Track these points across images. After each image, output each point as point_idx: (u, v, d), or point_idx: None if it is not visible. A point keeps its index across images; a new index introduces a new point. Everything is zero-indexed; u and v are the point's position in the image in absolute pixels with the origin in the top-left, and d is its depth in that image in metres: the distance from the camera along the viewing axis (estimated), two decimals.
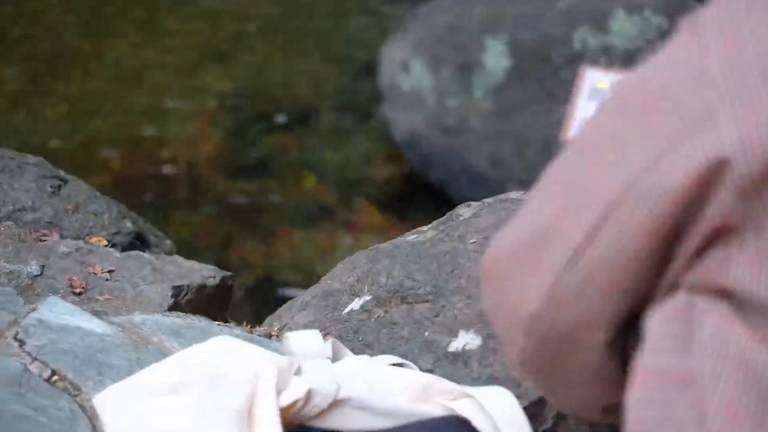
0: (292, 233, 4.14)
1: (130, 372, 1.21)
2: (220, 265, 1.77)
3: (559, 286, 0.71)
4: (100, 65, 4.77)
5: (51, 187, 1.80)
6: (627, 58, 3.87)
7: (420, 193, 4.66)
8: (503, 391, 1.12)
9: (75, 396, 1.21)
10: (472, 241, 1.34)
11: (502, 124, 4.08)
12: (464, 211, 1.44)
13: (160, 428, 1.09)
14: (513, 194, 1.45)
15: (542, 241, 0.71)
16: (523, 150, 4.10)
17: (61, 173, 1.87)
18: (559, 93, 4.00)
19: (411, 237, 1.43)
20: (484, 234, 1.34)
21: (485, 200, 1.47)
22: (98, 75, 4.77)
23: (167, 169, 4.42)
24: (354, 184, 4.59)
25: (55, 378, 1.22)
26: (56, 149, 4.26)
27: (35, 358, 1.24)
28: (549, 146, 4.15)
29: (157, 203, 4.26)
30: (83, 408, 1.20)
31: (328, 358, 1.15)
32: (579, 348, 0.74)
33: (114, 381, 1.20)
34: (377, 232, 4.37)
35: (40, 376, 1.23)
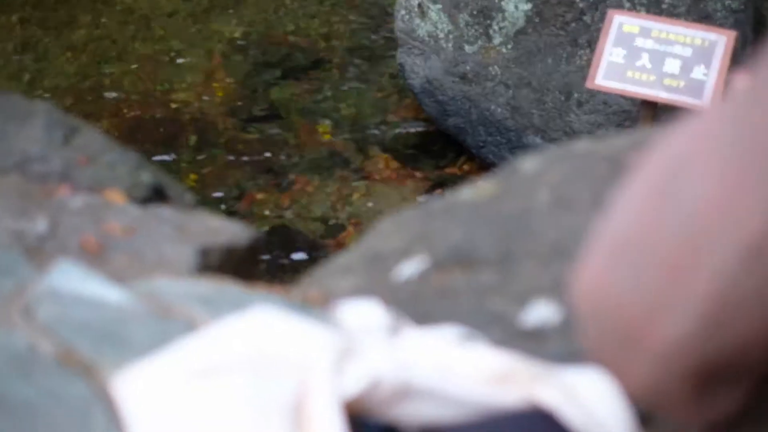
0: (305, 182, 3.96)
1: (153, 349, 1.00)
2: (231, 215, 1.55)
3: (727, 295, 0.49)
4: (110, 11, 4.57)
5: (61, 136, 1.59)
6: (652, 2, 3.63)
7: (436, 141, 4.45)
8: (597, 374, 0.91)
9: (89, 378, 1.01)
10: (544, 198, 1.13)
11: (521, 71, 3.85)
12: (527, 164, 1.23)
13: (195, 420, 0.89)
14: (583, 143, 1.24)
15: (690, 237, 0.49)
16: (543, 97, 3.88)
17: (72, 121, 1.65)
18: (581, 39, 3.78)
19: (467, 194, 1.22)
20: (558, 191, 1.13)
21: (549, 150, 1.25)
22: (108, 21, 4.57)
23: (177, 117, 4.25)
24: (368, 132, 4.40)
25: (66, 356, 1.02)
26: (65, 95, 4.07)
27: (43, 333, 1.04)
28: (570, 94, 3.94)
29: (167, 151, 4.08)
30: (99, 392, 0.99)
31: (391, 333, 0.95)
32: (742, 376, 0.52)
33: (135, 360, 0.99)
34: (392, 181, 4.20)
35: (49, 354, 1.02)
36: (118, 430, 0.94)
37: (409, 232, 1.19)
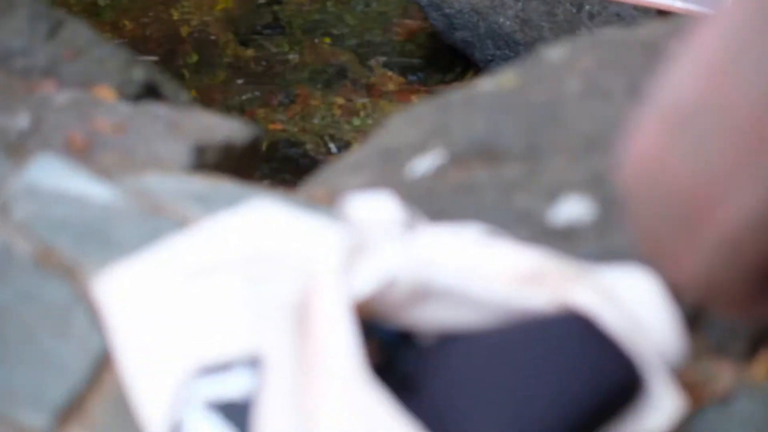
0: (308, 96, 3.83)
1: (141, 249, 0.89)
2: None
3: None
4: None
5: (46, 28, 1.46)
6: None
7: (442, 55, 4.31)
8: (640, 273, 0.80)
9: (70, 279, 0.90)
10: (574, 88, 1.01)
11: None
12: (553, 52, 1.10)
13: (184, 323, 0.78)
14: (613, 31, 1.11)
15: None
16: (554, 10, 3.71)
17: (58, 14, 1.52)
18: None
19: (487, 85, 1.10)
20: (589, 79, 1.00)
21: (576, 39, 1.13)
22: None
23: (177, 32, 4.10)
24: (373, 47, 4.25)
25: (45, 257, 0.91)
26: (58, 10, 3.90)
27: (20, 232, 0.93)
28: (581, 6, 3.78)
29: (167, 67, 3.93)
30: (81, 294, 0.89)
31: (406, 230, 0.84)
32: None
33: (121, 260, 0.88)
34: (397, 95, 4.08)
35: (27, 254, 0.91)
36: (100, 335, 0.84)
37: (424, 125, 1.07)
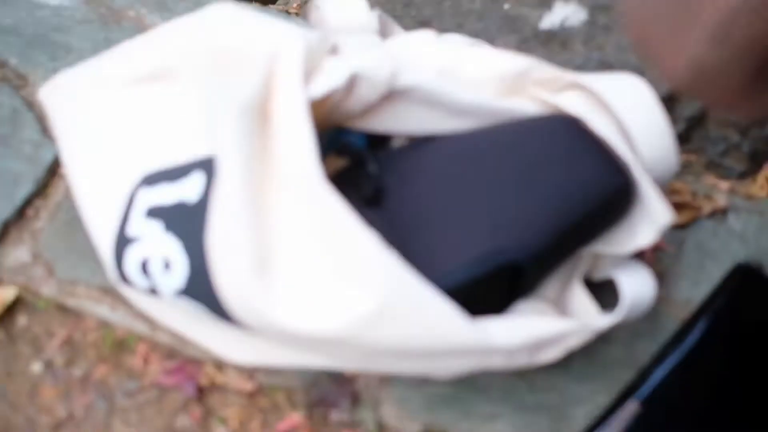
0: None
1: (94, 56, 0.81)
2: None
3: None
4: None
5: None
6: None
7: None
8: (631, 80, 0.72)
9: (18, 88, 0.83)
10: None
11: None
12: None
13: (133, 129, 0.71)
14: None
15: None
16: None
17: None
18: None
19: None
20: None
21: None
22: None
23: None
24: None
25: None
26: None
27: None
28: None
29: None
30: (29, 103, 0.82)
31: (377, 34, 0.76)
32: None
33: (72, 67, 0.80)
34: None
35: None
36: (50, 143, 0.77)
37: None
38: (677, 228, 0.78)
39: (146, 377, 0.70)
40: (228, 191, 0.64)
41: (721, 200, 0.80)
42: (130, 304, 0.72)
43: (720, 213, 0.79)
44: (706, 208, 0.79)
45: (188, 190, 0.66)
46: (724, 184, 0.82)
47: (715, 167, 0.84)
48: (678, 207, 0.79)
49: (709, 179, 0.82)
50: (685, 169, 0.83)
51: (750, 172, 0.84)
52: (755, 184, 0.82)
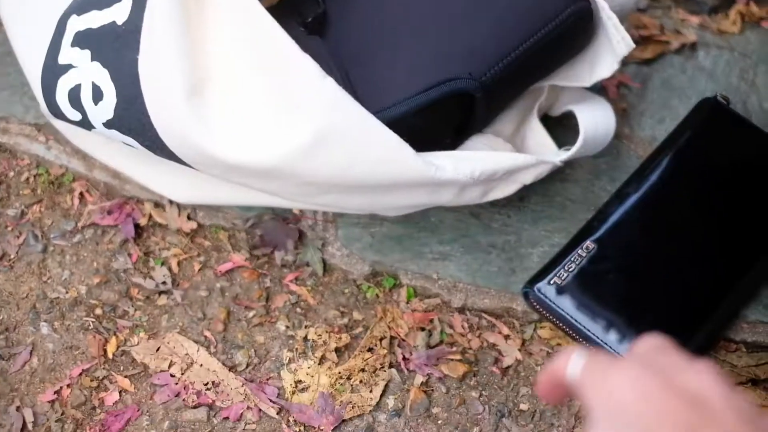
0: None
1: None
2: None
3: None
4: None
5: None
6: None
7: None
8: None
9: None
10: None
11: None
12: None
13: None
14: None
15: None
16: None
17: None
18: None
19: None
20: None
21: None
22: None
23: None
24: None
25: None
26: None
27: None
28: None
29: None
30: None
31: None
32: None
33: None
34: None
35: None
36: None
37: None
38: (643, 63, 0.73)
39: (82, 217, 0.66)
40: (157, 12, 0.59)
41: (690, 35, 0.75)
42: (65, 140, 0.68)
43: (689, 48, 0.75)
44: (675, 42, 0.75)
45: (116, 14, 0.61)
46: (695, 19, 0.77)
47: (685, 1, 0.79)
48: (645, 41, 0.74)
49: (680, 13, 0.77)
50: (653, 2, 0.78)
51: (723, 6, 0.79)
52: (728, 20, 0.78)
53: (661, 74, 0.73)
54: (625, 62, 0.73)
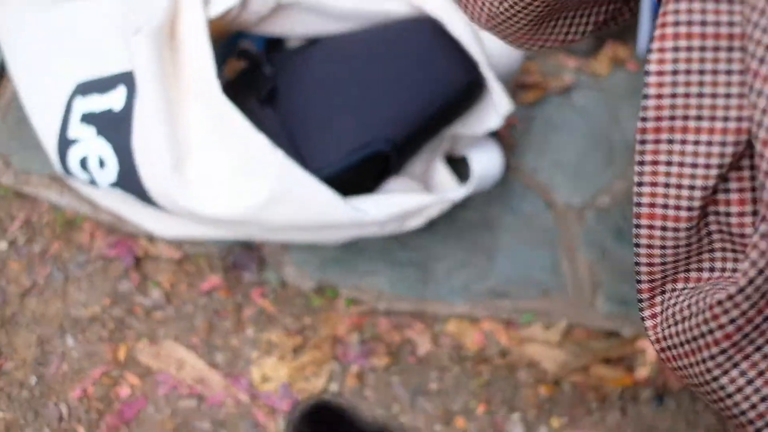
0: None
1: None
2: None
3: None
4: None
5: None
6: None
7: None
8: None
9: None
10: None
11: None
12: None
13: (65, 37, 0.80)
14: None
15: None
16: None
17: None
18: None
19: None
20: None
21: None
22: None
23: None
24: None
25: None
26: None
27: None
28: None
29: None
30: None
31: None
32: None
33: None
34: None
35: None
36: None
37: None
38: (528, 105, 0.89)
39: (93, 251, 0.83)
40: (145, 102, 0.74)
41: (567, 78, 0.91)
42: (75, 190, 0.84)
43: (566, 90, 0.91)
44: (554, 86, 0.91)
45: (114, 100, 0.76)
46: (572, 62, 0.92)
47: (567, 49, 0.94)
48: (529, 87, 0.90)
49: (559, 58, 0.93)
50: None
51: (594, 50, 0.94)
52: (598, 63, 0.93)
53: (542, 114, 0.89)
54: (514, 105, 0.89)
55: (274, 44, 0.85)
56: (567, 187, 0.86)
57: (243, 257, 0.82)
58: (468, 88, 0.78)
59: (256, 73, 0.81)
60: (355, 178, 0.78)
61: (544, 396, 0.78)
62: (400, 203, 0.77)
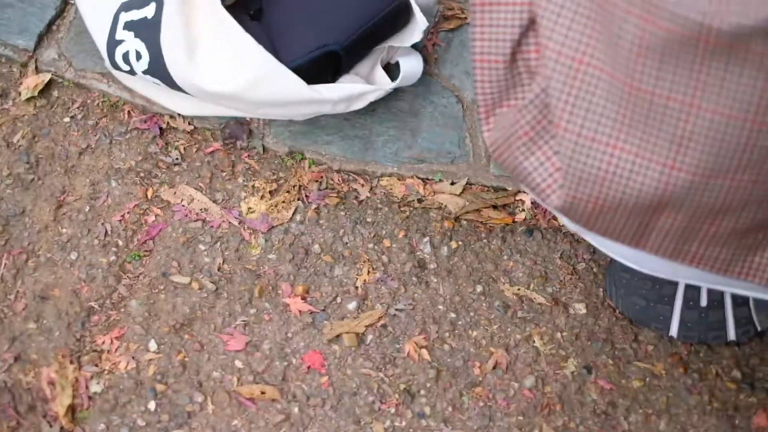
0: None
1: None
2: None
3: None
4: None
5: None
6: None
7: None
8: None
9: None
10: None
11: None
12: None
13: None
14: None
15: None
16: None
17: None
18: None
19: None
20: None
21: None
22: None
23: None
24: None
25: None
26: None
27: None
28: None
29: None
30: None
31: None
32: None
33: None
34: None
35: None
36: None
37: None
38: (450, 31, 1.20)
39: (130, 124, 1.14)
40: (170, 11, 1.06)
41: None
42: (118, 81, 1.15)
43: None
44: (468, 17, 1.21)
45: (148, 11, 1.08)
46: None
47: None
48: (450, 17, 1.21)
49: None
50: None
51: None
52: None
53: (459, 38, 1.20)
54: (438, 31, 1.20)
55: None
56: (473, 89, 1.17)
57: (236, 129, 1.14)
58: (397, 9, 1.10)
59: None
60: (316, 70, 1.09)
61: (447, 227, 1.09)
62: (347, 88, 1.09)
